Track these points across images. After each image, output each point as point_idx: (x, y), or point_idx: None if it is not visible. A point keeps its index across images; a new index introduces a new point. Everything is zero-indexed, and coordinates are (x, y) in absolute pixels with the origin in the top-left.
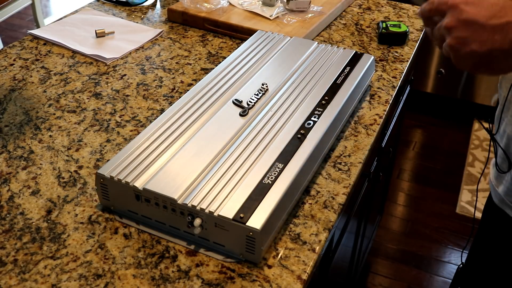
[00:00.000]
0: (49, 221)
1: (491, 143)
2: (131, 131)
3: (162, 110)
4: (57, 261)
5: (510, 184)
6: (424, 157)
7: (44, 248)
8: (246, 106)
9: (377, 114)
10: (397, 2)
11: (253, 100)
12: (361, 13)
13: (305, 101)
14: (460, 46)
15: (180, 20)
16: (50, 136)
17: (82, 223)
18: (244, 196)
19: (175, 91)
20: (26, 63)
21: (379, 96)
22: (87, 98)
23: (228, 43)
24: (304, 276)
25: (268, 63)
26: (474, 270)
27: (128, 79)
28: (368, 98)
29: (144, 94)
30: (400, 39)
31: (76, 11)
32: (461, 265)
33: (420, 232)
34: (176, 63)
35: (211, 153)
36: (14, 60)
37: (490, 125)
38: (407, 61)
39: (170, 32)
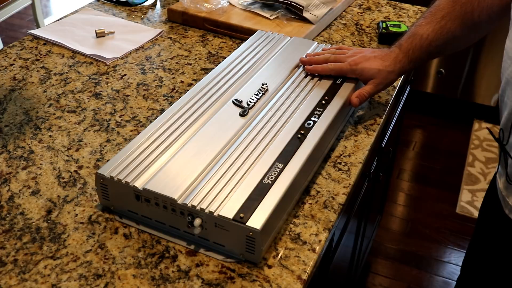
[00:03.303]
0: (49, 221)
1: (500, 152)
2: (131, 131)
3: (162, 110)
4: (57, 261)
5: None
6: (424, 157)
7: (44, 248)
8: (246, 106)
9: (377, 114)
10: (397, 2)
11: (253, 100)
12: (361, 13)
13: (305, 101)
14: None
15: (180, 20)
16: (50, 136)
17: (82, 223)
18: (244, 196)
19: (175, 91)
20: (26, 63)
21: (379, 96)
22: (87, 98)
23: (228, 43)
24: (304, 276)
25: (268, 63)
26: (472, 275)
27: (128, 79)
28: None
29: (144, 94)
30: None
31: (76, 11)
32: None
33: (420, 232)
34: (176, 63)
35: (211, 153)
36: (14, 60)
37: (502, 135)
38: None
39: (170, 32)
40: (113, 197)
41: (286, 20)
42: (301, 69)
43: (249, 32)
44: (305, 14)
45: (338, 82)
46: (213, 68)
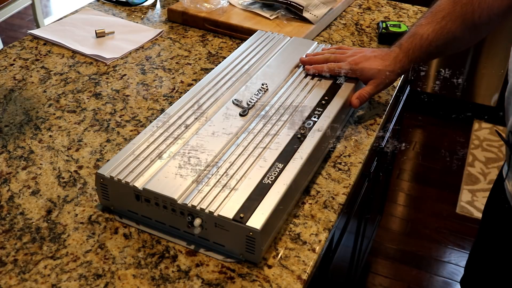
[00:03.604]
0: (49, 221)
1: (510, 155)
2: (131, 131)
3: (162, 110)
4: (57, 261)
5: None
6: (424, 157)
7: (44, 248)
8: (246, 106)
9: (377, 114)
10: (397, 2)
11: (253, 100)
12: (361, 13)
13: (305, 101)
14: None
15: (180, 20)
16: (50, 136)
17: (82, 223)
18: (244, 196)
19: (175, 91)
20: (26, 63)
21: (379, 96)
22: (87, 98)
23: (228, 43)
24: (304, 276)
25: (268, 63)
26: (478, 276)
27: (128, 79)
28: None
29: (144, 94)
30: None
31: (76, 11)
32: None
33: (420, 232)
34: (176, 63)
35: (211, 153)
36: (14, 60)
37: (510, 136)
38: None
39: (170, 32)
40: (113, 197)
41: (286, 20)
42: (301, 69)
43: (249, 32)
44: (305, 14)
45: (338, 82)
46: (213, 68)
